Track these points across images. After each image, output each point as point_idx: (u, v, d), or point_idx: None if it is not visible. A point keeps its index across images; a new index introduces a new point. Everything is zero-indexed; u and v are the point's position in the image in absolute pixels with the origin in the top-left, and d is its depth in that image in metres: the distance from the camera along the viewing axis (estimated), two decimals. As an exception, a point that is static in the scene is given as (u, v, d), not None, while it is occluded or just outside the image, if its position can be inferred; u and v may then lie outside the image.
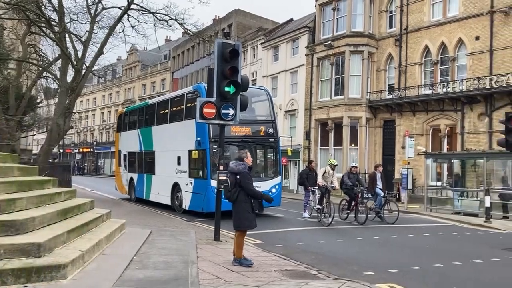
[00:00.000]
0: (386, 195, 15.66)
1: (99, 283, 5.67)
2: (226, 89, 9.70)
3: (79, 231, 7.34)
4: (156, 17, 22.90)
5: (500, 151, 17.27)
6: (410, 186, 23.43)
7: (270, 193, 15.12)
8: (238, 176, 7.52)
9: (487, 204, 15.57)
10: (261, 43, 37.84)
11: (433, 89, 25.50)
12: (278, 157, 16.66)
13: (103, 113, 70.19)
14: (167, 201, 17.45)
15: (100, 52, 22.43)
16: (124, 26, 23.67)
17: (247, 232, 8.03)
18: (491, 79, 22.55)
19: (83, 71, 22.47)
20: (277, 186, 16.25)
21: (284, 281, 6.57)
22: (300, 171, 24.10)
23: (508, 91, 21.84)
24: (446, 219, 16.72)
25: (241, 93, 10.10)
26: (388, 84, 28.50)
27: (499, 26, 23.02)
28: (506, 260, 9.16)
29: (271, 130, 16.37)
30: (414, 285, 6.73)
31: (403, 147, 25.08)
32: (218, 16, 50.45)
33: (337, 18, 29.94)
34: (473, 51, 24.02)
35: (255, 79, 37.12)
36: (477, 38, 23.85)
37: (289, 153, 19.35)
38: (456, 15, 25.07)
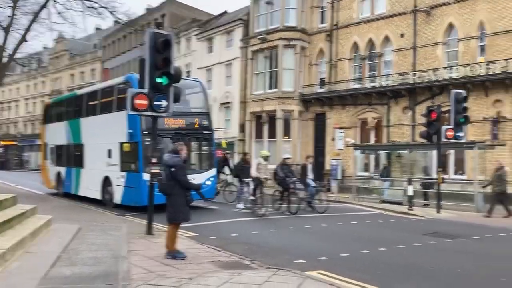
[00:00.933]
0: (317, 186, 16.15)
1: (22, 282, 5.41)
2: (159, 80, 9.51)
3: None
4: (85, 4, 21.93)
5: (422, 142, 18.41)
6: (339, 177, 24.40)
7: (204, 185, 15.08)
8: (172, 169, 7.44)
9: (410, 193, 16.55)
10: (195, 35, 37.41)
11: (362, 84, 26.61)
12: (212, 149, 16.65)
13: (27, 104, 66.20)
14: (98, 196, 16.88)
15: (23, 39, 21.13)
16: (50, 12, 22.46)
17: (181, 225, 7.99)
18: (414, 75, 23.90)
19: (5, 59, 21.08)
20: (211, 179, 16.25)
21: (217, 272, 6.62)
22: (234, 164, 24.22)
23: (429, 86, 23.24)
24: (373, 208, 17.57)
25: (174, 84, 9.96)
26: (320, 78, 29.31)
27: (421, 24, 24.40)
28: (426, 245, 9.82)
29: (205, 123, 16.29)
30: (342, 271, 7.03)
31: (333, 139, 26.02)
32: (151, 6, 49.19)
33: (271, 12, 30.25)
34: (399, 48, 25.30)
35: (190, 71, 36.69)
36: (402, 35, 25.14)
37: (224, 146, 19.43)
38: (383, 13, 26.22)
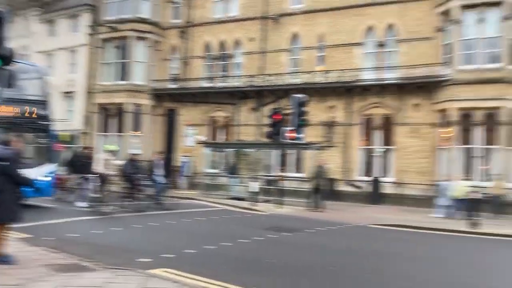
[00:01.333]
0: (165, 182, 15.98)
1: None
2: (-14, 61, 8.37)
3: None
4: None
5: (267, 142, 19.52)
6: (189, 173, 24.54)
7: (38, 181, 13.70)
8: (3, 163, 6.62)
9: (254, 189, 17.44)
10: (35, 15, 33.88)
11: (213, 83, 27.15)
12: (51, 142, 15.27)
13: None
14: None
15: None
16: None
17: (12, 226, 7.15)
18: (262, 78, 25.22)
19: None
20: (49, 174, 14.89)
21: (52, 276, 6.08)
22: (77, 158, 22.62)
23: (274, 89, 24.69)
24: (220, 204, 18.07)
25: (5, 67, 8.85)
26: (173, 74, 29.05)
27: (270, 31, 25.85)
28: (268, 239, 10.44)
29: (42, 112, 14.85)
30: (188, 268, 7.05)
31: (184, 136, 26.06)
32: (-19, -24, 43.16)
33: (122, 1, 28.96)
34: (249, 51, 26.42)
35: (27, 54, 33.06)
36: (252, 39, 26.30)
37: (66, 138, 18.01)
38: (236, 16, 27.09)
